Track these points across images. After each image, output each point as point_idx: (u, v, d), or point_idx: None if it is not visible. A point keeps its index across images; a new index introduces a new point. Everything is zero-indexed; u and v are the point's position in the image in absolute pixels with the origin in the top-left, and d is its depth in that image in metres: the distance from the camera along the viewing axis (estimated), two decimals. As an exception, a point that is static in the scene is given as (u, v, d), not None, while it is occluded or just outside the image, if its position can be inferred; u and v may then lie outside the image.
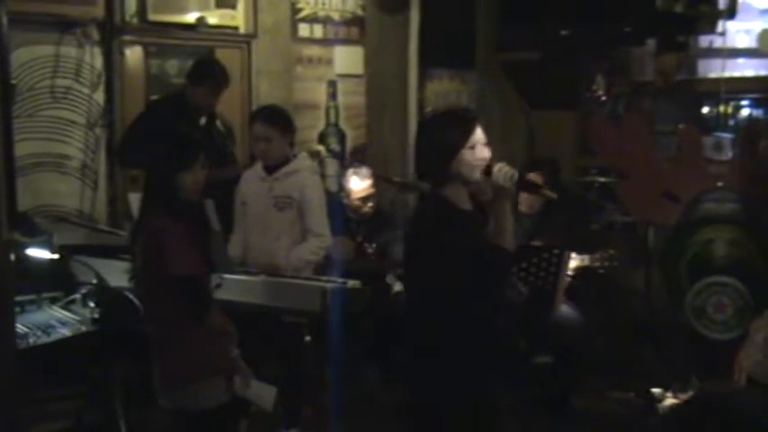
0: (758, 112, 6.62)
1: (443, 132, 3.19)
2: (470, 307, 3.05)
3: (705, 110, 6.63)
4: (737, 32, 6.57)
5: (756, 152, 4.80)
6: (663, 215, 5.05)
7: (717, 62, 6.55)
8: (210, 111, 5.64)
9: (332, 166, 6.62)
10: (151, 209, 3.28)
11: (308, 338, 4.77)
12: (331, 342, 4.33)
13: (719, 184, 4.96)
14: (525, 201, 5.22)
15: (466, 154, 3.11)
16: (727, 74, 6.42)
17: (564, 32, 6.51)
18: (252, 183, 4.73)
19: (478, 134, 3.15)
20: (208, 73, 5.58)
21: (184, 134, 3.45)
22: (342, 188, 5.58)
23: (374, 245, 5.40)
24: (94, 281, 3.83)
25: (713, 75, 6.61)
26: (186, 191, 3.25)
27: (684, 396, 5.13)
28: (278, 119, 4.67)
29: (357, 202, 5.44)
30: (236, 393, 3.37)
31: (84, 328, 3.68)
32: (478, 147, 3.13)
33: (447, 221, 3.11)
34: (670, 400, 5.23)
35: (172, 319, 3.20)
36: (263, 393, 3.55)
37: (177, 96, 5.58)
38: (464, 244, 3.03)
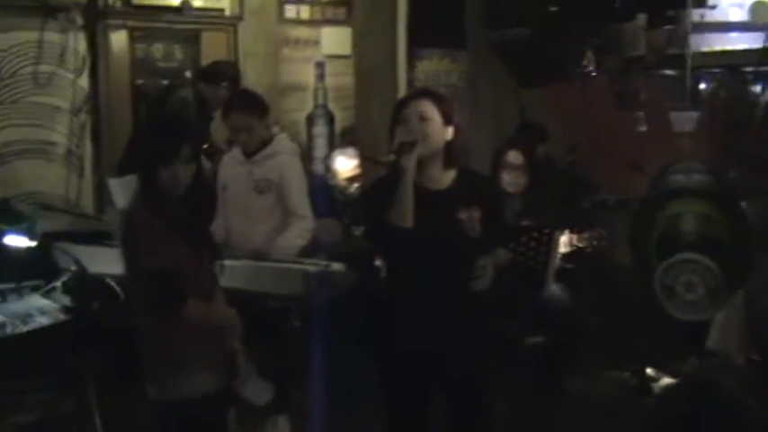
0: (755, 87, 6.51)
1: (392, 111, 3.32)
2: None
3: (700, 85, 6.55)
4: (729, 6, 6.48)
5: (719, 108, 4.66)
6: (629, 187, 4.87)
7: (709, 36, 6.46)
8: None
9: (322, 149, 6.56)
10: (139, 198, 3.19)
11: (296, 324, 4.73)
12: (315, 326, 4.28)
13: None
14: (509, 179, 5.15)
15: (397, 129, 3.19)
16: (718, 47, 6.35)
17: (553, 8, 6.43)
18: (231, 166, 4.68)
19: (413, 108, 3.19)
20: (224, 75, 5.62)
21: (166, 126, 3.27)
22: (328, 169, 5.53)
23: (362, 227, 5.34)
24: (73, 268, 3.77)
25: (705, 49, 6.52)
26: (164, 185, 3.09)
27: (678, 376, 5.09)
28: (255, 106, 4.60)
29: (344, 183, 5.38)
30: (232, 389, 3.28)
31: (63, 317, 3.64)
32: (410, 122, 3.17)
33: (380, 192, 3.21)
34: (666, 380, 5.19)
35: (150, 309, 3.13)
36: (260, 390, 3.44)
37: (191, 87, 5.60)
38: (368, 214, 3.24)
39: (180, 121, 3.56)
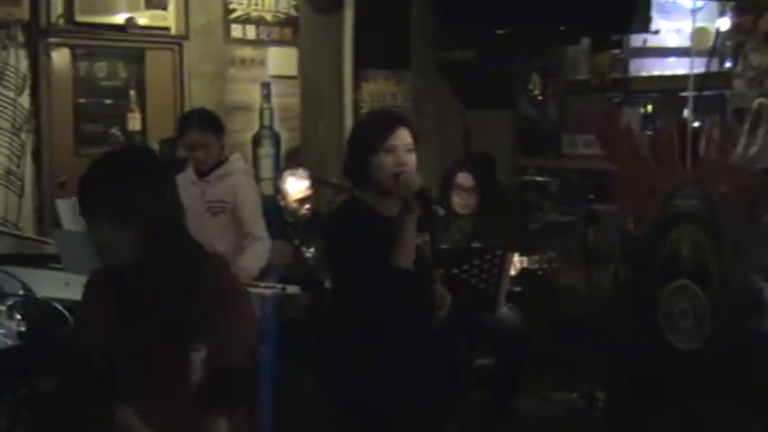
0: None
1: (361, 133, 3.14)
2: (367, 315, 2.95)
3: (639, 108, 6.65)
4: (669, 32, 6.62)
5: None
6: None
7: (650, 61, 6.59)
8: None
9: (268, 169, 6.50)
10: None
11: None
12: (269, 350, 4.22)
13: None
14: (459, 201, 5.18)
15: (380, 158, 2.97)
16: (658, 72, 6.47)
17: (499, 31, 6.49)
18: (184, 187, 4.58)
19: (400, 138, 3.00)
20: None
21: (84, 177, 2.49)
22: (278, 190, 5.48)
23: (312, 249, 5.31)
24: (21, 292, 3.66)
25: (645, 73, 6.65)
26: (97, 250, 2.41)
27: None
28: (212, 123, 4.58)
29: (294, 205, 5.35)
30: None
31: (9, 342, 3.52)
32: (398, 152, 2.98)
33: (355, 226, 2.98)
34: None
35: None
36: None
37: None
38: (360, 253, 2.89)
39: (92, 172, 2.53)
